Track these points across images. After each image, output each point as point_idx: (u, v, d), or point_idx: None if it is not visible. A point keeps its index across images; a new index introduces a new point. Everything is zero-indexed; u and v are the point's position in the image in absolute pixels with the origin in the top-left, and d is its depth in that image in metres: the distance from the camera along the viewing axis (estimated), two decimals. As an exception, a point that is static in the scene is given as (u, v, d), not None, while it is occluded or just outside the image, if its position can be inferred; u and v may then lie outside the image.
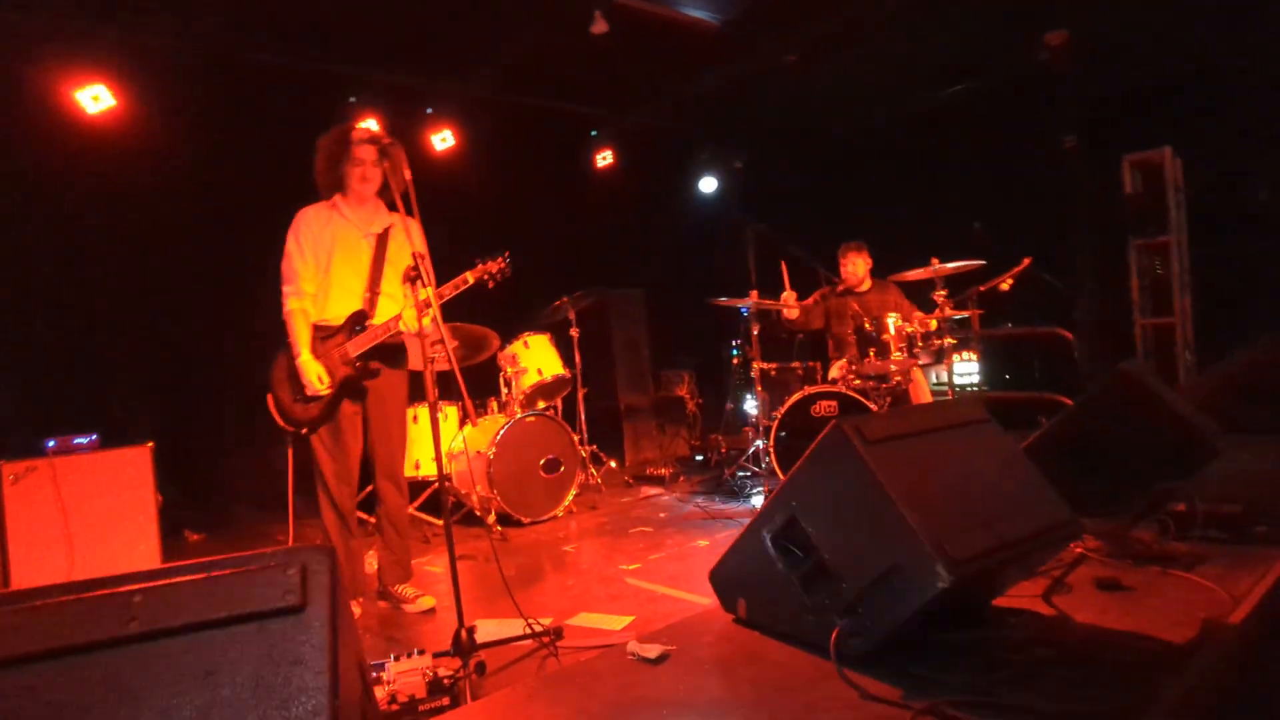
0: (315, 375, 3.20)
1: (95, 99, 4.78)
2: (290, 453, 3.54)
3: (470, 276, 3.23)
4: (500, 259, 3.26)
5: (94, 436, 4.14)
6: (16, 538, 3.79)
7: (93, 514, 3.99)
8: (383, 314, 3.32)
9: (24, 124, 4.70)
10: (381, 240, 3.36)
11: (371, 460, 3.40)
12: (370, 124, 5.73)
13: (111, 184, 4.98)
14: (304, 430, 3.25)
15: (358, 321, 3.28)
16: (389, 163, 3.14)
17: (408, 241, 3.30)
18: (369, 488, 4.87)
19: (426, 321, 3.17)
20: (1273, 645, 2.03)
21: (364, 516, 4.81)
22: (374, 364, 3.28)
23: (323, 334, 3.29)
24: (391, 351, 3.37)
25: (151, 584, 1.01)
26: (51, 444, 4.01)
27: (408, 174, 2.79)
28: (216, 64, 5.17)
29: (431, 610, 3.30)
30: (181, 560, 3.59)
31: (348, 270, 3.32)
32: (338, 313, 3.29)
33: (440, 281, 3.22)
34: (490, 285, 3.26)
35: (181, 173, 5.13)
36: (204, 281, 5.10)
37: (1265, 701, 1.90)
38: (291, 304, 3.27)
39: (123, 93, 4.83)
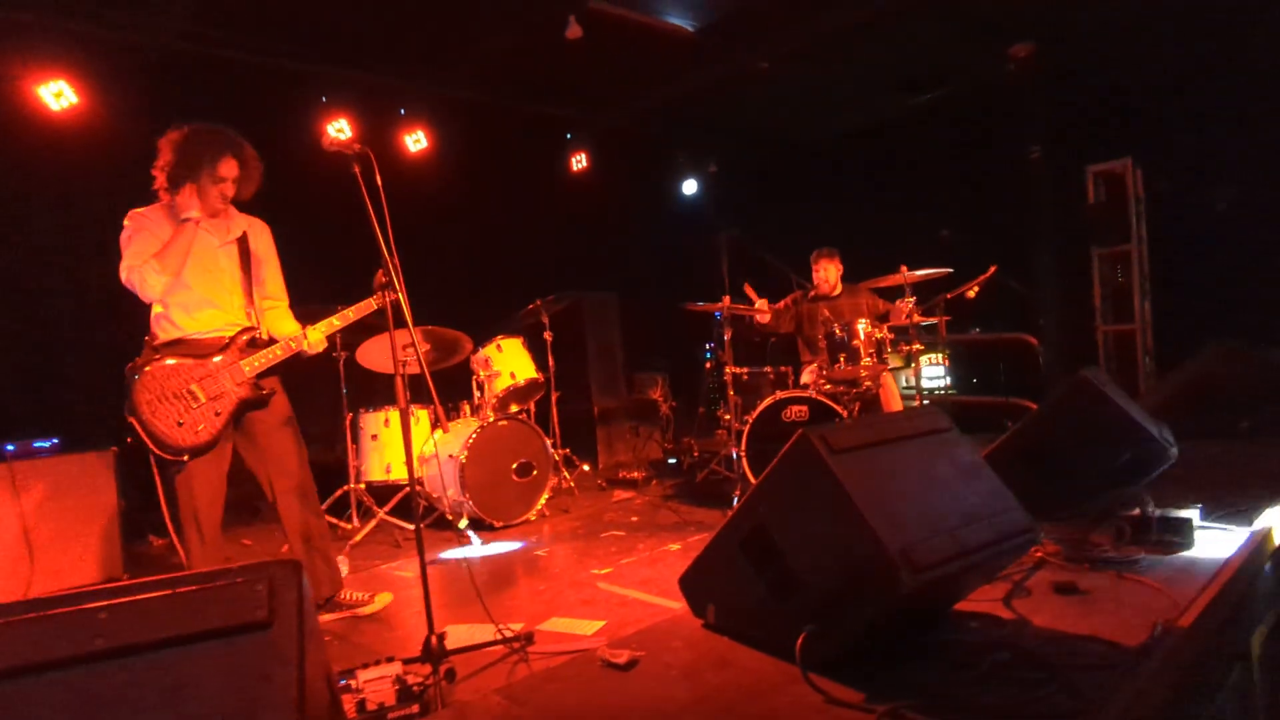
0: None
1: (58, 95, 4.70)
2: (157, 476, 3.04)
3: (373, 304, 3.07)
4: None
5: (55, 441, 4.06)
6: (-26, 543, 3.71)
7: (53, 519, 3.91)
8: (274, 327, 3.16)
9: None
10: (243, 247, 3.13)
11: (264, 478, 3.13)
12: (342, 124, 5.70)
13: (74, 183, 4.89)
14: (185, 457, 2.89)
15: (249, 340, 3.06)
16: (249, 170, 3.03)
17: (266, 249, 3.24)
18: (339, 491, 4.86)
19: (318, 338, 3.11)
20: (1220, 646, 2.10)
21: (336, 521, 4.79)
22: (267, 383, 3.07)
23: (194, 350, 2.97)
24: (273, 370, 3.13)
25: (117, 600, 1.01)
26: (11, 448, 3.93)
27: (379, 179, 2.76)
28: (184, 61, 5.10)
29: (384, 606, 3.23)
30: (145, 566, 3.51)
31: (209, 280, 3.04)
32: (213, 327, 3.02)
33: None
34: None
35: (146, 172, 5.05)
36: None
37: (1212, 701, 1.97)
38: (155, 280, 2.89)
39: (86, 90, 4.75)
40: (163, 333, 3.00)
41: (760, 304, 5.34)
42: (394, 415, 4.89)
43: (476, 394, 5.16)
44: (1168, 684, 1.75)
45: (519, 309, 5.56)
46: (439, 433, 4.95)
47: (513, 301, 5.69)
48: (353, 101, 5.72)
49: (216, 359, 2.98)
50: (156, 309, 3.01)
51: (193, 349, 2.98)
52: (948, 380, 7.26)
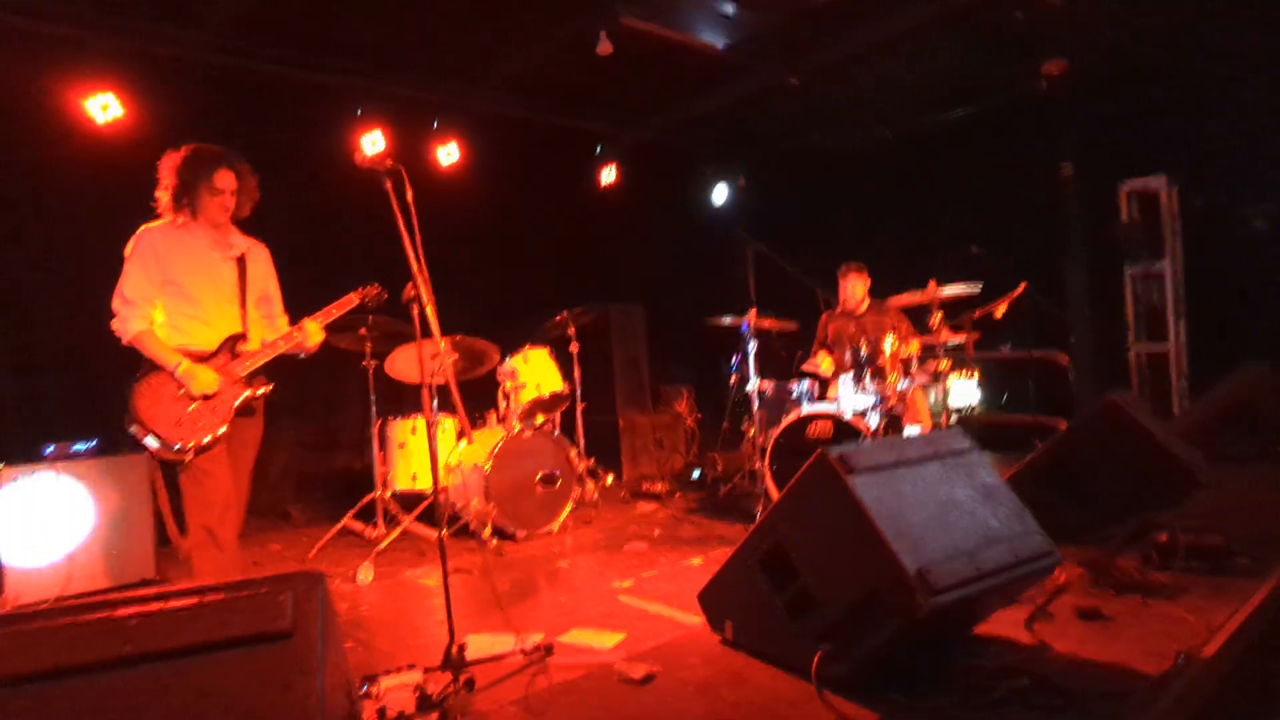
0: (207, 379, 2.99)
1: (104, 108, 4.84)
2: (160, 481, 3.20)
3: (354, 298, 3.32)
4: (374, 286, 3.37)
5: (94, 442, 4.17)
6: (12, 544, 3.81)
7: (89, 521, 4.01)
8: (255, 339, 3.22)
9: (33, 132, 4.76)
10: (241, 264, 3.22)
11: None
12: (376, 136, 5.82)
13: (116, 192, 5.02)
14: (188, 456, 2.94)
15: (235, 343, 3.14)
16: (245, 185, 3.15)
17: (266, 269, 3.35)
18: (366, 498, 4.94)
19: (315, 328, 3.23)
20: (1244, 677, 2.07)
21: (363, 528, 4.86)
22: (259, 384, 3.14)
23: (190, 357, 3.03)
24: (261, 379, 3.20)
25: (146, 608, 1.05)
26: (50, 449, 4.04)
27: (410, 195, 2.82)
28: (225, 74, 5.23)
29: None
30: (177, 567, 3.56)
31: (211, 294, 3.14)
32: (208, 338, 3.10)
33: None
34: (372, 308, 3.37)
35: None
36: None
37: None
38: (138, 324, 2.99)
39: (130, 102, 4.88)
40: (171, 343, 3.06)
41: (825, 363, 5.37)
42: (421, 424, 4.96)
43: (503, 404, 5.22)
44: (1189, 714, 1.72)
45: (546, 320, 5.61)
46: (464, 442, 5.01)
47: (540, 312, 5.74)
48: (388, 114, 5.82)
49: (210, 361, 3.07)
50: (159, 319, 3.09)
51: (189, 356, 3.04)
52: (977, 397, 7.18)
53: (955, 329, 5.02)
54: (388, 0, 4.82)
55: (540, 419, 5.39)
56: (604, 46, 5.04)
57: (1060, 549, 2.30)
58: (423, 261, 2.93)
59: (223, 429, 3.01)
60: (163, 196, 3.14)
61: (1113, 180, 6.34)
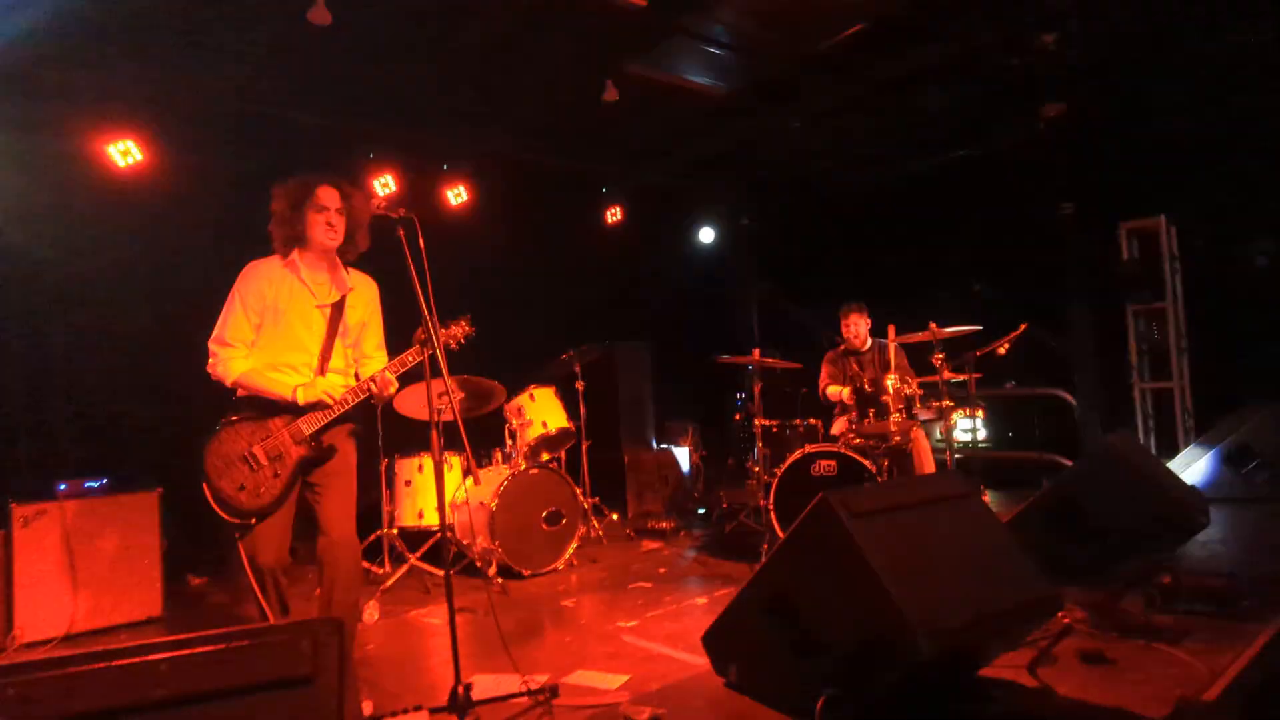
0: (325, 390, 2.93)
1: (125, 153, 4.98)
2: (242, 549, 2.93)
3: (418, 353, 2.99)
4: (463, 320, 3.13)
5: (104, 480, 4.23)
6: (24, 579, 3.85)
7: (99, 557, 4.05)
8: (334, 388, 3.04)
9: (56, 175, 4.90)
10: (337, 310, 3.09)
11: (318, 543, 3.00)
12: (387, 179, 5.95)
13: (134, 235, 5.15)
14: (252, 520, 2.87)
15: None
16: (354, 208, 3.00)
17: (368, 308, 3.18)
18: (373, 535, 4.96)
19: (391, 386, 2.99)
20: (1247, 724, 2.07)
21: (369, 566, 4.88)
22: (328, 438, 3.00)
23: (263, 409, 2.93)
24: (340, 421, 3.05)
25: (177, 653, 1.10)
26: (63, 487, 4.10)
27: (422, 243, 2.88)
28: (241, 120, 5.38)
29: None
30: (183, 605, 3.58)
31: (295, 341, 3.02)
32: (283, 385, 2.95)
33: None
34: (455, 347, 3.08)
35: (200, 225, 5.30)
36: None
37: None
38: (241, 365, 2.93)
39: (149, 148, 5.03)
40: (252, 385, 2.97)
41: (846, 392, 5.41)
42: (427, 461, 5.00)
43: (509, 442, 5.26)
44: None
45: (552, 358, 5.68)
46: (470, 480, 5.04)
47: (547, 351, 5.81)
48: (398, 158, 5.96)
49: (277, 418, 2.94)
50: (260, 366, 2.99)
51: (262, 408, 2.95)
52: (982, 434, 7.19)
53: (957, 369, 5.06)
54: (399, 50, 4.97)
55: (546, 457, 5.43)
56: (610, 93, 5.17)
57: (1064, 590, 2.32)
58: (434, 306, 2.98)
59: (282, 492, 2.90)
60: (275, 232, 3.02)
61: (1113, 219, 6.44)
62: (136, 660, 1.05)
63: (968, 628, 1.94)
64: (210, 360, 2.96)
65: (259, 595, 2.95)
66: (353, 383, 3.07)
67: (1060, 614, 2.66)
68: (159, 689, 1.04)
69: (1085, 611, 2.75)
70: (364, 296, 3.21)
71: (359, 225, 3.08)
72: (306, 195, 2.98)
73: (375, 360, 3.24)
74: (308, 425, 2.94)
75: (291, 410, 2.94)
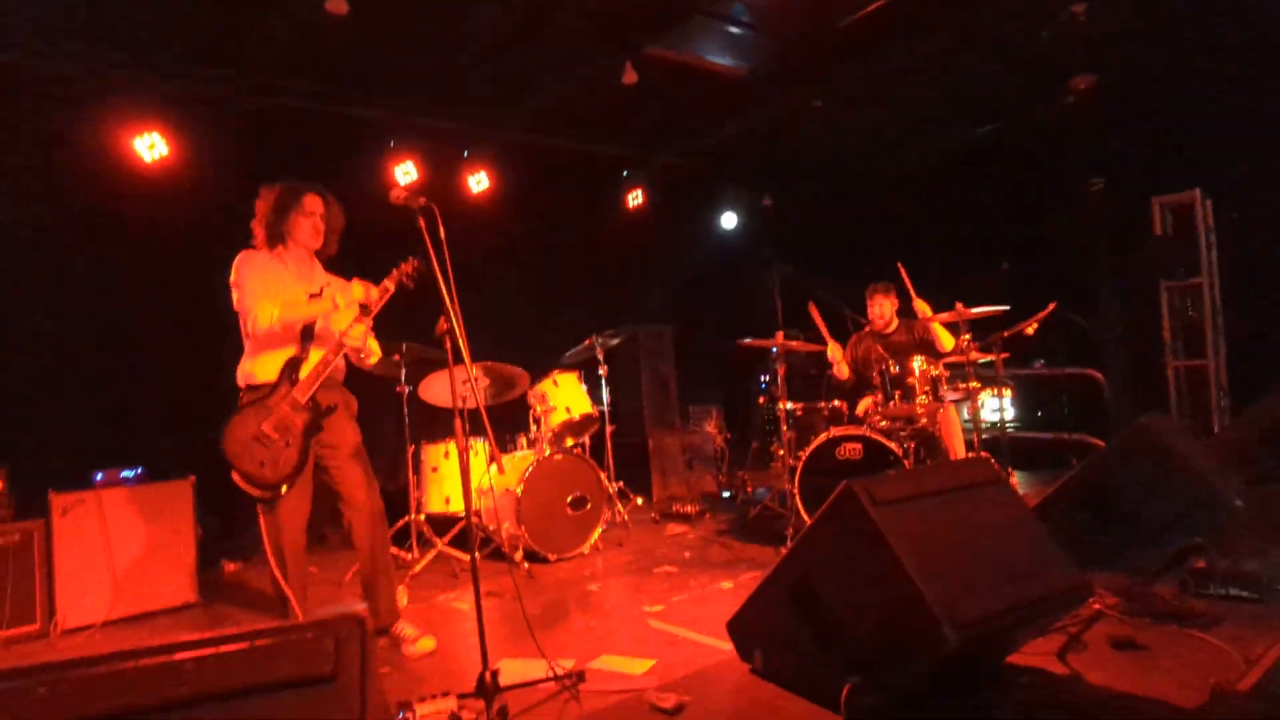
0: (356, 292, 3.23)
1: (151, 147, 5.03)
2: (264, 528, 3.25)
3: (389, 284, 3.26)
4: (407, 262, 3.26)
5: (139, 470, 4.31)
6: (63, 568, 3.94)
7: (135, 545, 4.14)
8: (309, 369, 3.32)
9: (85, 171, 4.97)
10: (315, 300, 3.32)
11: (339, 497, 3.36)
12: (409, 167, 5.96)
13: (160, 227, 5.22)
14: (282, 489, 3.14)
15: (293, 369, 3.24)
16: (333, 215, 3.36)
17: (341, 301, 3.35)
18: (400, 521, 5.02)
19: (358, 333, 3.25)
20: (1282, 713, 2.03)
21: (397, 552, 4.94)
22: (324, 398, 3.26)
23: (259, 395, 3.19)
24: (331, 384, 3.34)
25: (201, 652, 1.12)
26: (99, 477, 4.19)
27: (443, 233, 2.90)
28: (264, 112, 5.41)
29: (431, 652, 3.29)
30: (217, 591, 3.72)
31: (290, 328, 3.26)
32: (268, 372, 3.23)
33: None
34: (409, 285, 3.25)
35: (226, 217, 5.34)
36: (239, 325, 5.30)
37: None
38: (272, 309, 3.16)
39: (175, 140, 5.08)
40: (243, 380, 3.29)
41: (834, 351, 5.36)
42: (453, 448, 5.04)
43: (533, 428, 5.29)
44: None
45: (575, 343, 5.68)
46: (494, 466, 5.07)
47: (570, 336, 5.82)
48: (419, 146, 5.97)
49: (273, 396, 3.20)
50: (246, 358, 3.30)
51: (259, 394, 3.21)
52: (1010, 415, 7.10)
53: (985, 349, 4.99)
54: (420, 39, 4.96)
55: (570, 442, 5.45)
56: (629, 75, 5.13)
57: (1095, 575, 2.29)
58: (454, 293, 3.00)
59: (299, 458, 3.17)
60: (258, 229, 3.34)
61: (1145, 195, 6.27)
62: (162, 660, 1.07)
63: (995, 618, 1.91)
64: (252, 321, 3.20)
65: (279, 578, 3.19)
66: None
67: (1090, 600, 2.62)
68: (183, 688, 1.06)
69: (1116, 597, 2.71)
70: (341, 291, 3.40)
71: (334, 231, 3.45)
72: (294, 201, 3.32)
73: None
74: (301, 393, 3.20)
75: (284, 385, 3.21)
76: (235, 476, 3.10)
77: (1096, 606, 2.69)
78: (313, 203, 3.36)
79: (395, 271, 3.24)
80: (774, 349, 5.27)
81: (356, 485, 3.35)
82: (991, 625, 1.90)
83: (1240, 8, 5.00)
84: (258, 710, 1.08)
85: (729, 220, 8.20)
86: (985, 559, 2.06)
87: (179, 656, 1.08)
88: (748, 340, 5.34)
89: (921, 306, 5.06)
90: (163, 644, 1.10)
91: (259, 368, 3.25)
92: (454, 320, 2.92)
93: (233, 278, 3.30)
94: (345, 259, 3.64)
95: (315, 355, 3.30)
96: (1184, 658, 2.29)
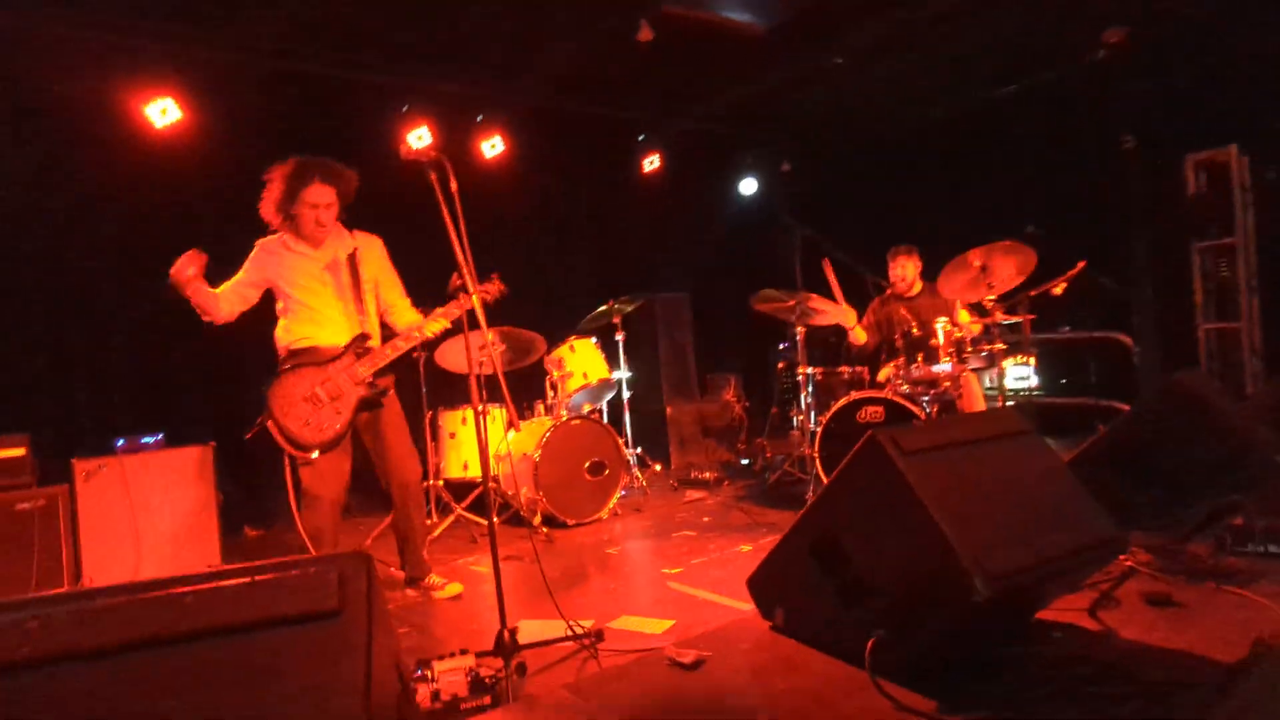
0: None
1: (163, 112, 4.98)
2: (289, 475, 3.47)
3: (466, 301, 3.26)
4: (494, 278, 3.45)
5: (160, 436, 4.33)
6: (88, 531, 3.99)
7: (158, 510, 4.17)
8: (397, 325, 3.53)
9: (97, 137, 4.94)
10: (352, 264, 3.44)
11: (380, 472, 3.51)
12: (423, 132, 5.88)
13: (177, 193, 5.19)
14: (315, 454, 3.23)
15: (361, 342, 3.36)
16: (349, 191, 3.37)
17: (378, 261, 3.57)
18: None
19: (436, 328, 3.41)
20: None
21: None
22: (382, 381, 3.39)
23: (316, 357, 3.31)
24: (388, 369, 3.47)
25: (200, 586, 1.08)
26: (121, 443, 4.21)
27: (454, 186, 2.84)
28: (276, 76, 5.34)
29: (459, 595, 3.49)
30: (240, 556, 3.80)
31: (323, 298, 3.39)
32: (329, 338, 3.35)
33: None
34: (490, 303, 3.39)
35: (241, 182, 5.30)
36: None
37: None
38: (223, 303, 3.31)
39: (188, 105, 5.02)
40: (292, 343, 3.37)
41: (847, 315, 5.26)
42: (470, 414, 5.02)
43: (550, 394, 5.25)
44: (1266, 705, 1.64)
45: (592, 309, 5.62)
46: (513, 432, 5.05)
47: (586, 302, 5.76)
48: (433, 110, 5.88)
49: (335, 363, 3.30)
50: (282, 323, 3.40)
51: (315, 356, 3.31)
52: (1034, 381, 6.96)
53: (1011, 310, 4.87)
54: (431, 2, 4.86)
55: (588, 408, 5.41)
56: (644, 33, 5.00)
57: (1127, 534, 2.21)
58: (469, 252, 2.95)
59: (345, 427, 3.26)
60: (265, 209, 3.38)
61: (1179, 152, 6.06)
62: (160, 594, 1.04)
63: (1026, 570, 1.85)
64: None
65: (300, 525, 3.28)
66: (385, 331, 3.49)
67: (1122, 557, 2.55)
68: (183, 622, 1.03)
69: (1149, 554, 2.64)
70: (370, 254, 3.55)
71: (345, 197, 3.43)
72: (299, 189, 3.30)
73: (400, 307, 3.61)
74: (365, 368, 3.30)
75: (349, 356, 3.31)
76: (272, 427, 3.17)
77: (1129, 563, 2.62)
78: (315, 194, 3.33)
79: (482, 285, 3.35)
80: (793, 308, 5.17)
81: (401, 456, 3.48)
82: (1023, 578, 1.84)
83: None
84: (261, 645, 1.05)
85: (748, 186, 8.06)
86: (1015, 510, 2.00)
87: (178, 590, 1.05)
88: (764, 305, 5.24)
89: (964, 318, 4.95)
90: (161, 579, 1.07)
91: (319, 334, 3.35)
92: (468, 277, 2.87)
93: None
94: (362, 224, 3.62)
95: (377, 332, 3.44)
96: (1222, 614, 2.22)
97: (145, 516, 4.12)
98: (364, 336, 3.38)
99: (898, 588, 1.96)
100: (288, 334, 3.38)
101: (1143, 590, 2.41)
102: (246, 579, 1.09)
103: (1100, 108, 6.25)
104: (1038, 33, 5.83)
